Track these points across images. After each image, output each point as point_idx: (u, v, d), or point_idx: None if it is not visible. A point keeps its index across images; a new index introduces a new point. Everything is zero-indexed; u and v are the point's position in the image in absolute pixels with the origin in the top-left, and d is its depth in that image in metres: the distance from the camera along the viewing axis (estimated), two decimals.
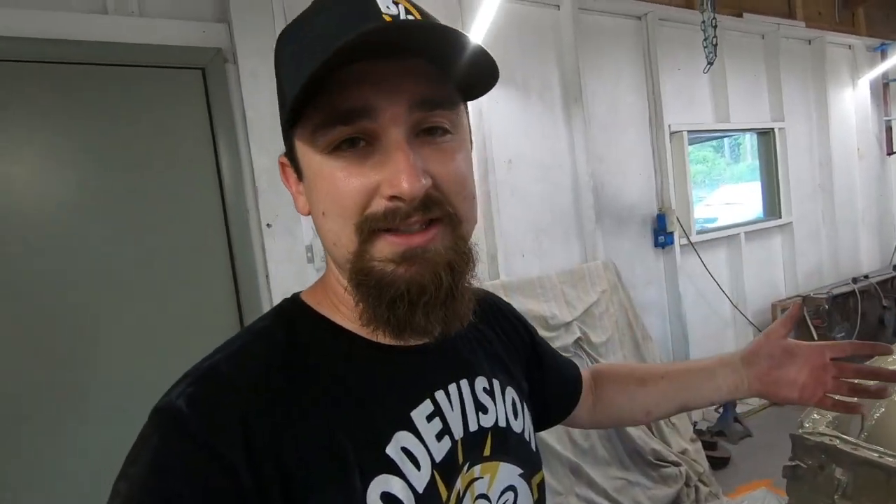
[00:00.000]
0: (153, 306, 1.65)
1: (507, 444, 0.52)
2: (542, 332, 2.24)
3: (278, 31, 1.55)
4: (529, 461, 0.55)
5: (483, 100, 2.30)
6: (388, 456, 0.42)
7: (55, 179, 1.55)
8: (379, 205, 0.40)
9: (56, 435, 1.52)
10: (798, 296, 3.59)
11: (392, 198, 0.40)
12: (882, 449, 1.17)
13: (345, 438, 0.41)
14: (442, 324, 0.42)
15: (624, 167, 2.88)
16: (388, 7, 0.39)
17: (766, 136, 3.61)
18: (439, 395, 0.47)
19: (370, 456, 0.41)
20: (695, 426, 2.80)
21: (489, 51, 0.41)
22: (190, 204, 1.72)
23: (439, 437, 0.46)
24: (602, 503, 2.16)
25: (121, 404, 1.58)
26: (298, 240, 1.86)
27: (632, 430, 2.27)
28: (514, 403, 0.55)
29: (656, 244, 3.00)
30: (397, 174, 0.39)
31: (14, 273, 1.48)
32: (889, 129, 4.42)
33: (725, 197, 6.88)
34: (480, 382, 0.52)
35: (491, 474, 0.50)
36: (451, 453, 0.46)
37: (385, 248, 0.41)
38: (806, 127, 3.82)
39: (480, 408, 0.51)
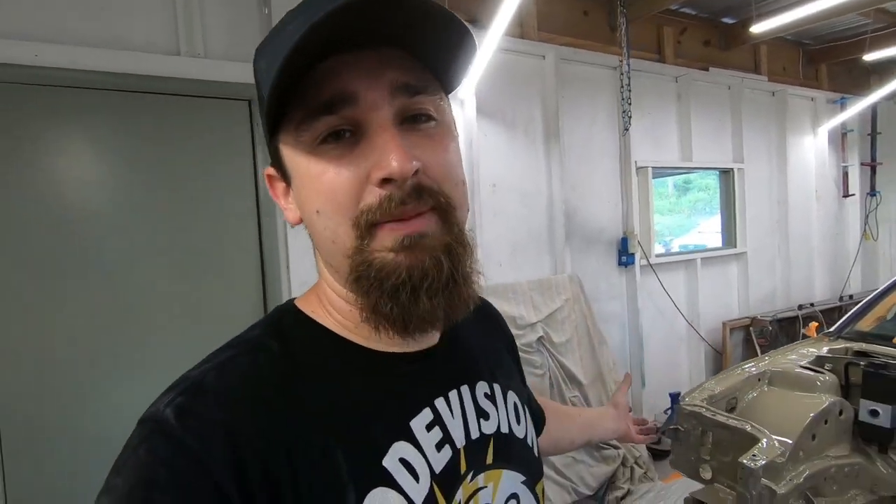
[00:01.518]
0: (196, 288, 2.11)
1: (509, 451, 0.51)
2: (511, 330, 2.71)
3: None
4: (532, 467, 0.54)
5: (473, 130, 2.77)
6: (384, 468, 0.41)
7: (124, 184, 2.01)
8: (373, 194, 0.39)
9: (104, 386, 1.96)
10: (748, 317, 4.03)
11: (384, 182, 0.39)
12: (730, 415, 1.61)
13: (339, 452, 0.39)
14: (446, 309, 0.41)
15: (595, 195, 3.34)
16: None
17: (726, 175, 4.08)
18: (439, 402, 0.46)
19: (366, 469, 0.40)
20: (659, 437, 3.23)
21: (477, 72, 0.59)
22: (232, 208, 2.19)
23: (439, 446, 0.45)
24: (553, 476, 2.59)
25: (164, 368, 2.03)
26: None
27: None
28: (515, 408, 0.55)
29: (619, 263, 3.45)
30: (385, 155, 0.38)
31: (86, 258, 1.93)
32: (846, 174, 4.89)
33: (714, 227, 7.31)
34: (481, 388, 0.51)
35: (494, 482, 0.49)
36: (453, 463, 0.45)
37: (384, 237, 0.40)
38: (766, 169, 4.29)
39: (482, 414, 0.50)
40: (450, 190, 0.42)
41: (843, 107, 4.72)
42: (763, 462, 1.39)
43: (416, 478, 0.42)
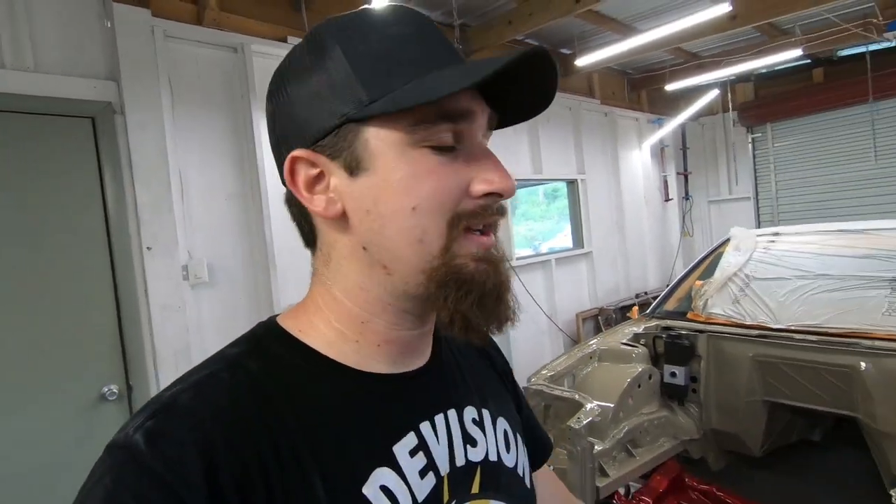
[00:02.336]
0: (42, 320, 1.93)
1: (497, 480, 0.50)
2: None
3: (162, 91, 2.00)
4: (523, 499, 0.53)
5: None
6: (364, 497, 0.40)
7: None
8: (470, 203, 0.42)
9: None
10: (597, 308, 4.64)
11: (487, 195, 0.42)
12: (563, 388, 1.92)
13: (317, 477, 0.38)
14: (510, 318, 0.44)
15: None
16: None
17: (572, 185, 4.67)
18: (425, 427, 0.45)
19: (345, 496, 0.39)
20: None
21: None
22: (77, 232, 2.04)
23: (423, 473, 0.43)
24: None
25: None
26: (175, 260, 2.25)
27: None
28: (506, 435, 0.53)
29: None
30: (496, 172, 0.42)
31: None
32: (666, 182, 5.85)
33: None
34: (469, 413, 0.50)
35: None
36: (436, 491, 0.44)
37: (471, 247, 0.42)
38: (604, 178, 4.98)
39: (469, 440, 0.49)
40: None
41: (660, 126, 5.65)
42: (585, 422, 1.70)
43: None
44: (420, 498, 0.42)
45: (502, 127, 0.47)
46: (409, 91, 0.39)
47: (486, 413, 0.52)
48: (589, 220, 4.68)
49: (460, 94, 0.40)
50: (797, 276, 2.36)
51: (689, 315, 2.51)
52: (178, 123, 2.34)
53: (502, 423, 0.53)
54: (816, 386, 2.02)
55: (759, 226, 5.82)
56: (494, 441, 0.51)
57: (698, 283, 2.67)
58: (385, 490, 0.41)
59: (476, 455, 0.49)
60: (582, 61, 3.79)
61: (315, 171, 0.43)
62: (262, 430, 0.38)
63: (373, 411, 0.43)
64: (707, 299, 2.50)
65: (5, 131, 1.91)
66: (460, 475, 0.47)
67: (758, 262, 2.60)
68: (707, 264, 2.88)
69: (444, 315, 0.42)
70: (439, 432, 0.46)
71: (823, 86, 5.24)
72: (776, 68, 5.30)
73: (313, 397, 0.42)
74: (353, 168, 0.41)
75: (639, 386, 2.13)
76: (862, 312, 2.01)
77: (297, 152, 0.43)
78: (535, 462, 0.63)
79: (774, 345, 2.12)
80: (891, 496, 1.17)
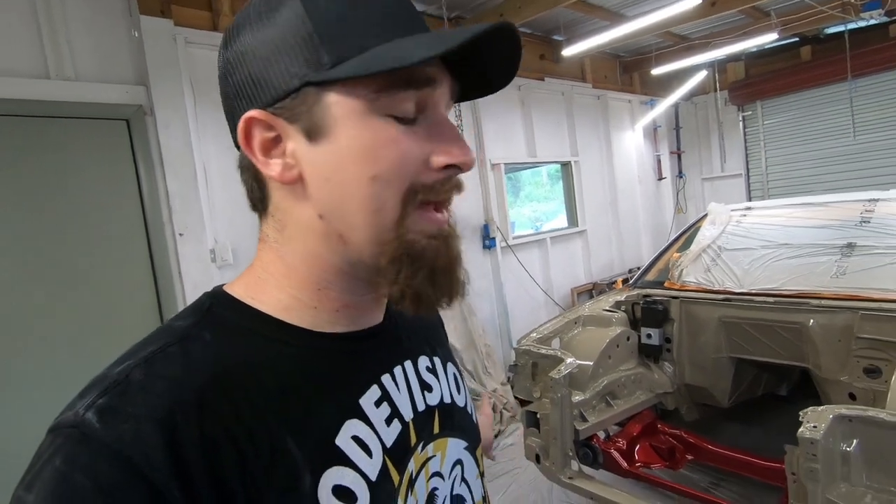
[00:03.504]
0: (89, 301, 2.23)
1: (453, 420, 0.54)
2: None
3: (185, 92, 2.26)
4: (472, 433, 0.57)
5: None
6: (338, 447, 0.41)
7: (7, 204, 2.08)
8: (429, 176, 0.41)
9: None
10: (591, 283, 4.90)
11: (447, 167, 0.41)
12: (547, 348, 2.20)
13: (288, 437, 0.39)
14: (460, 292, 0.45)
15: None
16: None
17: (566, 167, 4.89)
18: (385, 378, 0.47)
19: (319, 451, 0.40)
20: (509, 378, 3.87)
21: None
22: (118, 223, 2.32)
23: (389, 421, 0.46)
24: None
25: (53, 388, 2.13)
26: (203, 245, 2.53)
27: None
28: (455, 378, 0.57)
29: (484, 246, 4.04)
30: (457, 145, 0.41)
31: None
32: (659, 161, 6.05)
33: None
34: (423, 362, 0.53)
35: (442, 451, 0.51)
36: (403, 436, 0.46)
37: (424, 223, 0.42)
38: (597, 159, 5.20)
39: (426, 387, 0.52)
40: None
41: (652, 107, 5.83)
42: (565, 373, 1.97)
43: (370, 453, 0.43)
44: (388, 443, 0.45)
45: (462, 101, 0.48)
46: (377, 55, 0.38)
47: (437, 360, 0.56)
48: (583, 201, 4.92)
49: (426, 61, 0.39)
50: (762, 246, 2.60)
51: (665, 284, 2.76)
52: (199, 120, 2.60)
53: (451, 368, 0.58)
54: (773, 342, 2.28)
55: (749, 201, 6.03)
56: (447, 385, 0.55)
57: (676, 255, 2.93)
58: (356, 439, 0.43)
59: (433, 399, 0.52)
60: (569, 51, 3.99)
61: (272, 135, 0.41)
62: (222, 399, 0.37)
63: (336, 369, 0.44)
64: (682, 269, 2.75)
65: (51, 135, 2.17)
66: (423, 419, 0.50)
67: (730, 234, 2.85)
68: (685, 238, 3.13)
69: (395, 290, 0.42)
70: (399, 382, 0.49)
71: (810, 63, 5.39)
72: (766, 47, 5.45)
73: (273, 361, 0.42)
74: (313, 133, 0.40)
75: (617, 346, 2.40)
76: (813, 276, 2.26)
77: (253, 113, 0.41)
78: None
79: (737, 307, 2.38)
80: (799, 416, 1.43)
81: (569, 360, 2.05)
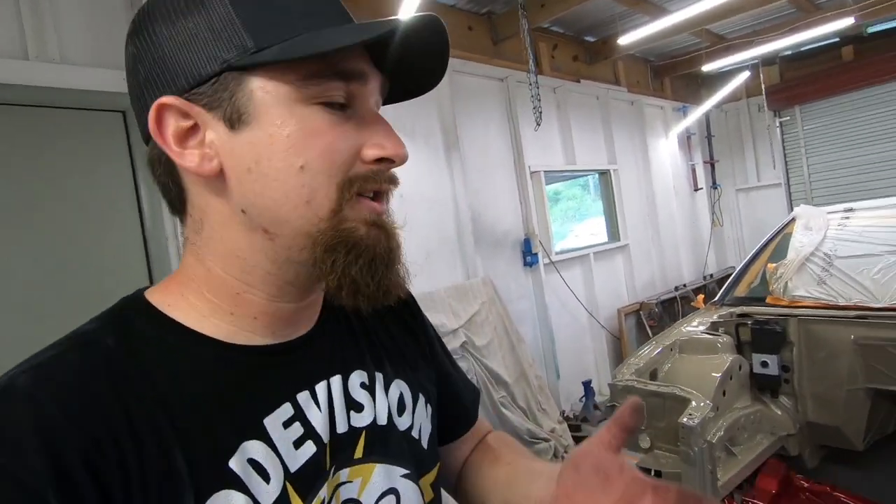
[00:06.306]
0: (79, 311, 1.76)
1: (386, 444, 0.49)
2: None
3: None
4: (417, 460, 0.51)
5: None
6: (231, 470, 0.38)
7: None
8: (362, 168, 0.41)
9: None
10: (637, 302, 4.44)
11: (379, 160, 0.41)
12: (659, 383, 1.73)
13: (179, 453, 0.37)
14: (399, 286, 0.43)
15: (496, 200, 3.46)
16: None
17: (605, 176, 4.50)
18: (302, 396, 0.44)
19: (209, 472, 0.38)
20: (562, 413, 3.37)
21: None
22: (113, 223, 1.89)
23: (298, 443, 0.42)
24: None
25: None
26: None
27: (510, 415, 2.73)
28: (401, 398, 0.52)
29: (525, 263, 3.59)
30: (389, 138, 0.41)
31: None
32: (693, 171, 5.67)
33: (590, 228, 8.08)
34: (357, 378, 0.49)
35: (363, 477, 0.46)
36: (315, 459, 0.43)
37: (363, 211, 0.41)
38: (634, 168, 4.81)
39: (353, 406, 0.48)
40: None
41: (685, 114, 5.48)
42: (699, 419, 1.51)
43: (267, 479, 0.40)
44: (293, 468, 0.41)
45: (391, 102, 0.47)
46: (302, 41, 0.38)
47: (379, 376, 0.51)
48: (623, 212, 4.50)
49: (355, 55, 0.40)
50: (889, 252, 2.17)
51: (768, 300, 2.32)
52: None
53: (399, 386, 0.52)
54: None
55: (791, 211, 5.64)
56: (385, 404, 0.50)
57: (770, 265, 2.49)
58: (253, 462, 0.40)
59: (361, 420, 0.48)
60: (625, 39, 3.62)
61: (188, 124, 0.39)
62: (113, 407, 0.36)
63: (243, 385, 0.42)
64: (786, 282, 2.30)
65: (37, 127, 1.75)
66: (342, 441, 0.46)
67: (835, 240, 2.42)
68: (774, 246, 2.69)
69: (332, 280, 0.40)
70: (320, 400, 0.45)
71: (853, 64, 5.08)
72: (802, 49, 5.15)
73: (174, 372, 0.40)
74: (234, 121, 0.39)
75: (731, 378, 1.94)
76: None
77: (166, 99, 0.38)
78: (458, 429, 0.63)
79: (877, 325, 1.93)
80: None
81: (698, 402, 1.58)
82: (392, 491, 0.48)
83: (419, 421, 0.53)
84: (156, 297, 0.43)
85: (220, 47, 0.38)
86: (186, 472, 0.36)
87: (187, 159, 0.39)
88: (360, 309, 0.43)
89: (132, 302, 0.43)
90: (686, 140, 5.62)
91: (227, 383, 0.41)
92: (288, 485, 0.41)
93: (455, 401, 0.62)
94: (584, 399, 3.59)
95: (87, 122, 1.87)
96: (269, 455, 0.40)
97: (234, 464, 0.39)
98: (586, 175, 4.58)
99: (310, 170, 0.39)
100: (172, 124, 0.39)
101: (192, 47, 0.38)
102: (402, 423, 0.51)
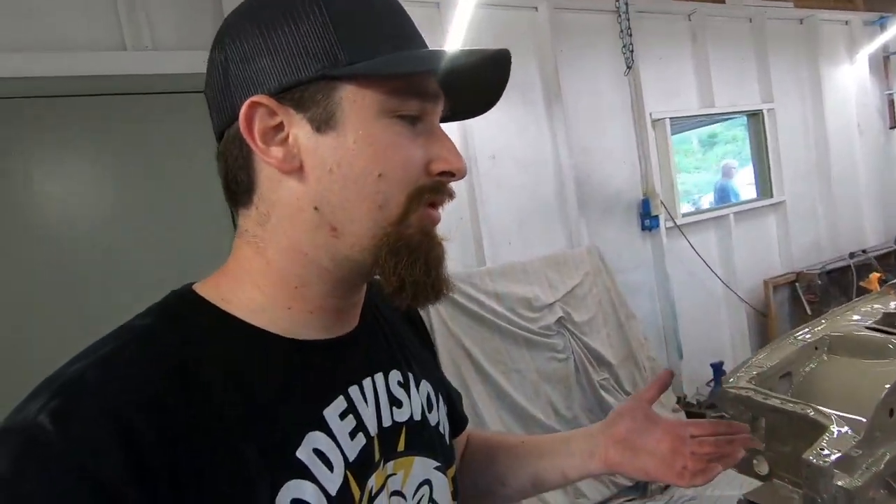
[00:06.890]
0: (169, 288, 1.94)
1: (421, 438, 0.52)
2: (527, 313, 2.45)
3: None
4: (445, 454, 0.55)
5: None
6: (298, 460, 0.40)
7: (92, 195, 1.86)
8: (426, 179, 0.44)
9: None
10: (792, 272, 3.67)
11: (443, 173, 0.44)
12: (786, 397, 1.34)
13: (248, 446, 0.38)
14: (448, 288, 0.46)
15: (609, 157, 3.03)
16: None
17: (755, 118, 3.68)
18: (353, 390, 0.47)
19: (279, 462, 0.39)
20: (682, 399, 2.96)
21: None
22: (204, 204, 2.01)
23: (353, 434, 0.45)
24: None
25: None
26: None
27: (611, 400, 2.46)
28: (428, 396, 0.56)
29: (643, 228, 3.14)
30: (454, 155, 0.45)
31: (66, 270, 1.79)
32: (891, 103, 4.40)
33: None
34: (395, 376, 0.52)
35: (405, 470, 0.50)
36: (366, 451, 0.46)
37: (424, 220, 0.44)
38: (799, 107, 3.86)
39: (395, 402, 0.51)
40: None
41: (883, 27, 4.21)
42: (835, 457, 1.13)
43: (331, 467, 0.42)
44: (351, 458, 0.44)
45: (445, 122, 0.49)
46: (392, 60, 0.42)
47: (410, 376, 0.54)
48: (780, 162, 3.68)
49: (432, 77, 0.44)
50: None
51: None
52: None
53: (425, 385, 0.56)
54: None
55: None
56: (419, 402, 0.54)
57: None
58: (318, 453, 0.42)
59: (401, 416, 0.51)
60: None
61: (274, 122, 0.41)
62: (181, 405, 0.36)
63: (302, 378, 0.44)
64: None
65: (133, 113, 1.90)
66: (388, 435, 0.49)
67: None
68: None
69: (394, 280, 0.43)
70: (367, 395, 0.48)
71: None
72: None
73: (237, 367, 0.41)
74: (322, 124, 0.41)
75: None
76: None
77: (258, 98, 0.41)
78: (457, 429, 0.66)
79: None
80: None
81: (837, 431, 1.18)
82: (427, 482, 0.52)
83: (443, 418, 0.58)
84: (208, 290, 0.44)
85: (315, 58, 0.40)
86: (257, 464, 0.38)
87: (272, 154, 0.41)
88: (414, 308, 0.51)
89: (184, 296, 0.44)
90: (882, 62, 4.35)
91: (287, 376, 0.43)
92: (348, 473, 0.43)
93: (451, 403, 0.66)
94: (712, 383, 3.11)
95: (181, 105, 1.98)
96: (331, 445, 0.43)
97: (302, 454, 0.41)
98: (727, 119, 3.80)
99: (386, 178, 0.42)
100: (260, 123, 0.41)
101: (287, 54, 0.41)
102: (432, 419, 0.55)
